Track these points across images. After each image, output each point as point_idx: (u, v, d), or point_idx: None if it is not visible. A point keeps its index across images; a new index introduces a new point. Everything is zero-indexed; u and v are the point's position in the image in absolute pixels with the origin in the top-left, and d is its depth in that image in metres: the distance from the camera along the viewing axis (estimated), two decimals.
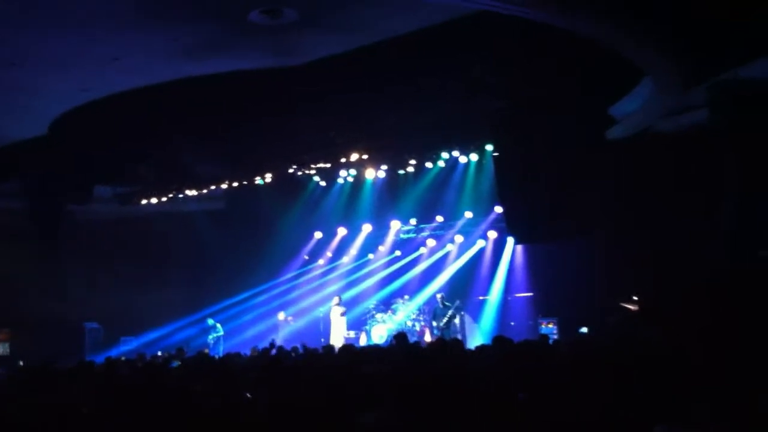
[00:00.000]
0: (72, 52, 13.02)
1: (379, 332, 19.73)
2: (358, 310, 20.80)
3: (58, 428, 5.27)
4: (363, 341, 19.51)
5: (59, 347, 17.83)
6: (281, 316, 20.75)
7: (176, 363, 11.85)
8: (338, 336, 19.24)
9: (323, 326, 20.05)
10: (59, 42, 12.53)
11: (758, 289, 10.65)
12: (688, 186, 13.07)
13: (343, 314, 19.62)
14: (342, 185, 21.03)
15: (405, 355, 8.79)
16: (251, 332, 20.67)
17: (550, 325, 17.80)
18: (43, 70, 13.73)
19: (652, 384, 5.44)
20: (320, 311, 20.74)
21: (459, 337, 17.53)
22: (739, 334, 8.99)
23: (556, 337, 16.61)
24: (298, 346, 13.54)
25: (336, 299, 19.97)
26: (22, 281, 18.97)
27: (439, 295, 19.04)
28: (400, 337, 10.93)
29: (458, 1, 10.08)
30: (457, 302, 18.49)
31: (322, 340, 19.12)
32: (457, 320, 18.53)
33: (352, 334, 19.81)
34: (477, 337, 18.53)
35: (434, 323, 18.54)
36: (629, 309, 15.33)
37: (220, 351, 18.74)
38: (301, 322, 21.13)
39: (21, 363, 15.01)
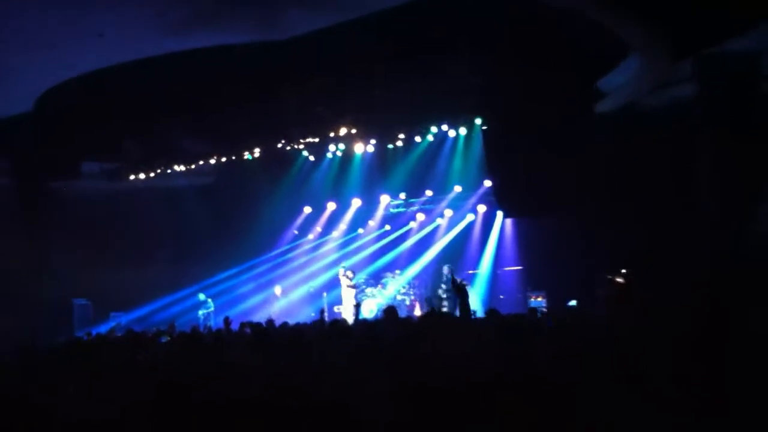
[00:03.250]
0: (55, 27, 12.89)
1: (369, 306, 19.77)
2: None
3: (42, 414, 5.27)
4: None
5: (48, 324, 17.80)
6: (278, 290, 20.74)
7: (165, 338, 11.83)
8: (348, 307, 19.08)
9: (313, 301, 20.13)
10: (42, 17, 12.37)
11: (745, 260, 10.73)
12: (676, 162, 13.10)
13: (350, 286, 19.28)
14: (331, 160, 20.93)
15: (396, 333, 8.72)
16: (241, 307, 20.68)
17: (539, 299, 17.87)
18: (25, 46, 13.56)
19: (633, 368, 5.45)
20: (310, 286, 20.77)
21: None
22: (726, 319, 9.04)
23: (545, 309, 16.66)
24: (287, 321, 13.54)
25: (341, 270, 19.67)
26: (8, 259, 18.87)
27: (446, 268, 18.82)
28: (389, 312, 10.85)
29: None
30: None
31: (312, 314, 19.15)
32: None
33: (341, 308, 19.83)
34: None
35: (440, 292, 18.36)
36: (618, 283, 15.40)
37: (212, 326, 18.74)
38: (292, 297, 21.14)
39: None
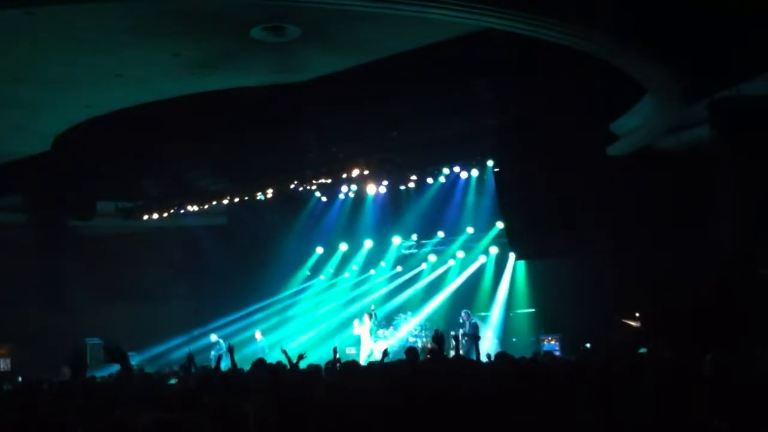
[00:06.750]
0: (75, 68, 13.09)
1: (381, 348, 19.60)
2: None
3: None
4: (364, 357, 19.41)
5: (60, 360, 17.77)
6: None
7: (174, 380, 11.73)
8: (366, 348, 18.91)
9: (324, 342, 20.04)
10: (62, 58, 12.58)
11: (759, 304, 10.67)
12: (689, 202, 13.09)
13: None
14: (343, 201, 21.03)
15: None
16: (253, 347, 20.57)
17: (553, 342, 17.69)
18: (45, 86, 13.79)
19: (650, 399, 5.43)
20: (322, 327, 20.70)
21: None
22: (741, 349, 8.97)
23: (558, 353, 16.51)
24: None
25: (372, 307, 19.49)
26: (23, 296, 18.92)
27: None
28: (411, 353, 10.81)
29: (460, 18, 10.09)
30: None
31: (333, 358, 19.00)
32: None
33: (353, 350, 19.71)
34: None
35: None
36: (631, 326, 15.32)
37: (223, 367, 18.61)
38: (303, 338, 21.03)
39: (20, 379, 14.97)
